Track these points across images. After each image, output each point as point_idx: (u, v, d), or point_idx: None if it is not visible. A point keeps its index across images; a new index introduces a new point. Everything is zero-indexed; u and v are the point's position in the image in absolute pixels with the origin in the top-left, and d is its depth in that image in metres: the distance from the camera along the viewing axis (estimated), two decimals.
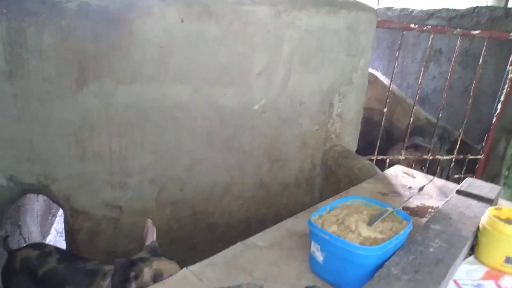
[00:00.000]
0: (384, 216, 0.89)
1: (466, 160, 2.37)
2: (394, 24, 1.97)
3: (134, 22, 1.50)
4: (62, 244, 2.09)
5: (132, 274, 1.09)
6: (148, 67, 1.57)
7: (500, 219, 0.94)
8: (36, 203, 2.40)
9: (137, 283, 1.09)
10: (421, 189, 1.34)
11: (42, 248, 1.50)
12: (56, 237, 2.74)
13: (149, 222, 1.32)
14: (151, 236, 1.29)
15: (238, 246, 0.96)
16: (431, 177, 1.49)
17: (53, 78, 1.49)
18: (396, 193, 1.31)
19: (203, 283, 0.82)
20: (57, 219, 2.95)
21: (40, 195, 2.32)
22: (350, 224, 0.86)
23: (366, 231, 0.84)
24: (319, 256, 0.84)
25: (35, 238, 2.34)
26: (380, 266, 0.79)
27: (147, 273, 1.10)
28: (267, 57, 1.69)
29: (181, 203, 1.79)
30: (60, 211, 2.72)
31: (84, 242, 1.74)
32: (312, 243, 0.85)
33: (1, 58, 1.42)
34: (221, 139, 1.75)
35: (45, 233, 2.62)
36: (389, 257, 0.81)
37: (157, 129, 1.66)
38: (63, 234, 1.79)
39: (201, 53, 1.60)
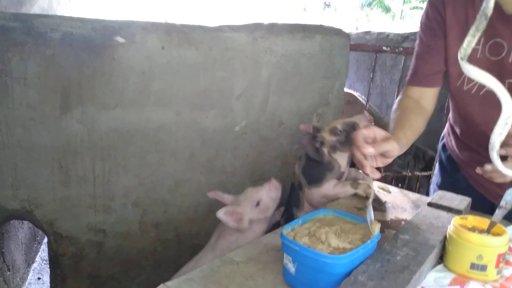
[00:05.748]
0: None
1: None
2: (368, 47, 2.06)
3: (117, 50, 1.56)
4: (47, 272, 2.08)
5: None
6: (131, 93, 1.62)
7: (465, 227, 0.98)
8: (21, 231, 2.39)
9: None
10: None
11: None
12: (41, 265, 2.72)
13: None
14: None
15: (216, 261, 0.99)
16: (406, 191, 1.55)
17: (37, 105, 1.53)
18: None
19: None
20: (42, 246, 2.93)
21: (25, 222, 2.32)
22: (320, 236, 0.90)
23: (335, 242, 0.88)
24: (291, 268, 0.87)
25: (19, 265, 2.33)
26: (349, 274, 0.82)
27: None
28: (246, 81, 1.76)
29: (165, 225, 1.81)
30: (46, 239, 2.71)
31: (68, 267, 1.74)
32: (285, 255, 0.89)
33: None
34: (203, 160, 1.79)
35: (29, 261, 2.60)
36: (358, 266, 0.85)
37: (140, 152, 1.70)
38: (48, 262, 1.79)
39: (182, 78, 1.67)
